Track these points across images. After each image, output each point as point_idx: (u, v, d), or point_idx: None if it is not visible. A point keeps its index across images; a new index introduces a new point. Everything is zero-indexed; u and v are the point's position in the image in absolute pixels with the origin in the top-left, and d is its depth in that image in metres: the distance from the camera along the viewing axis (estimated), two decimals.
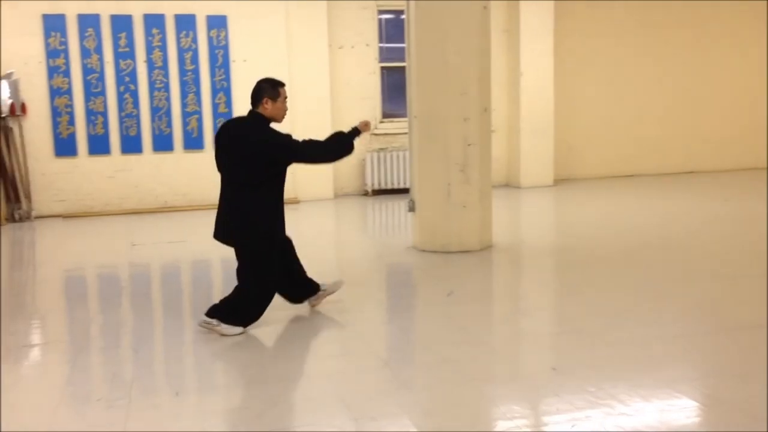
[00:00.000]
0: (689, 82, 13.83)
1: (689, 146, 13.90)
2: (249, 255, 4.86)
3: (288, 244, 5.18)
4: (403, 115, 9.39)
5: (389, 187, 11.92)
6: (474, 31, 7.19)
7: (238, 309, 4.83)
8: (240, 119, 5.09)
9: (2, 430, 3.53)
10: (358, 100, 11.90)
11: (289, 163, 4.93)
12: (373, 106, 12.09)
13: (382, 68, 12.24)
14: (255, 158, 4.76)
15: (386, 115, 12.28)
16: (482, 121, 7.36)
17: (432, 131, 7.33)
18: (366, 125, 5.21)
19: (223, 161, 4.91)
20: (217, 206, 5.00)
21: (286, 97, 4.96)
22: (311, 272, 5.42)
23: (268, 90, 4.86)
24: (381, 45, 12.21)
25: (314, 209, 10.72)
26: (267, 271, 4.87)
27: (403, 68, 8.33)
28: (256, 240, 4.82)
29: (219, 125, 5.31)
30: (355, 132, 5.13)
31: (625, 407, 3.58)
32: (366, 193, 11.96)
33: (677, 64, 13.69)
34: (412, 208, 7.69)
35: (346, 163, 12.01)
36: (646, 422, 3.46)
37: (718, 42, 13.84)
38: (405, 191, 9.91)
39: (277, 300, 5.13)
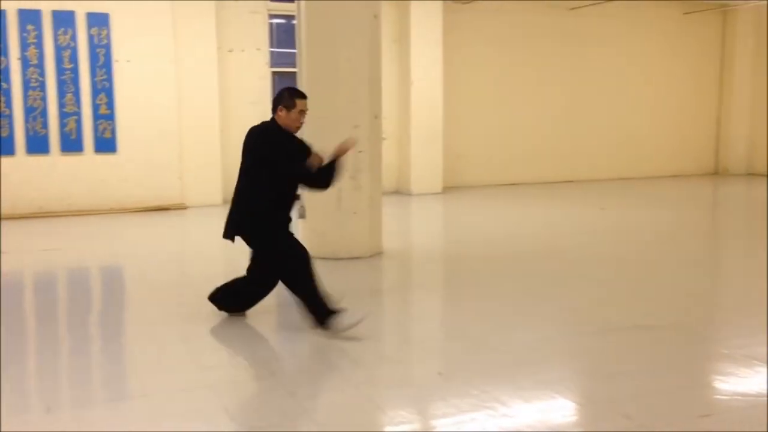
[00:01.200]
0: (572, 93, 14.50)
1: (570, 156, 14.56)
2: (260, 245, 4.94)
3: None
4: None
5: None
6: (364, 39, 7.23)
7: (314, 305, 4.84)
8: (261, 123, 5.02)
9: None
10: (247, 105, 11.73)
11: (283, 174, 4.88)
12: (263, 111, 11.91)
13: (273, 73, 12.12)
14: (253, 156, 4.83)
15: None
16: (373, 128, 7.41)
17: (323, 138, 7.29)
18: (344, 149, 5.02)
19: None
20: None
21: (303, 111, 4.86)
22: (192, 281, 5.26)
23: (285, 99, 4.83)
24: (272, 50, 12.11)
25: (203, 216, 10.44)
26: (285, 250, 4.90)
27: (294, 73, 8.27)
28: (257, 226, 4.90)
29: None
30: (334, 163, 5.01)
31: (507, 409, 3.68)
32: None
33: (561, 76, 14.33)
34: (302, 215, 7.63)
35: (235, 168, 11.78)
36: (526, 422, 3.56)
37: (599, 54, 14.59)
38: (296, 198, 9.79)
39: (158, 313, 4.94)
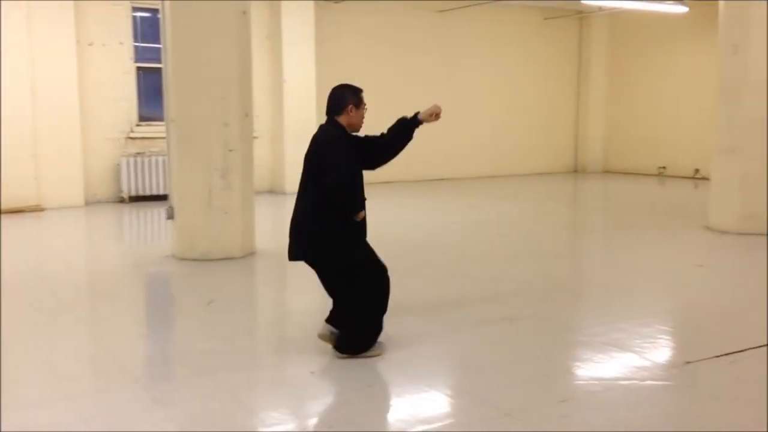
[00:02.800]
0: (442, 93, 14.81)
1: (442, 155, 14.92)
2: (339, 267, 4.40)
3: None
4: (162, 119, 8.99)
5: (147, 193, 11.38)
6: (233, 35, 7.10)
7: (363, 332, 4.39)
8: (319, 128, 4.54)
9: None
10: (111, 101, 11.22)
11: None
12: (128, 108, 11.46)
13: (138, 68, 11.65)
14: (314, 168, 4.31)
15: (143, 118, 11.70)
16: (243, 126, 7.28)
17: (191, 136, 7.11)
18: (431, 113, 4.76)
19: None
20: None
21: (364, 107, 4.54)
22: (48, 289, 4.97)
23: (352, 97, 4.48)
24: (136, 44, 11.62)
25: (62, 218, 9.87)
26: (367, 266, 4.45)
27: (161, 69, 7.97)
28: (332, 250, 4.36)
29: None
30: (416, 122, 4.76)
31: (381, 404, 3.71)
32: (122, 200, 11.30)
33: (432, 76, 14.65)
34: (171, 216, 7.39)
35: (97, 167, 11.27)
36: (399, 417, 3.61)
37: (467, 56, 15.03)
38: (164, 198, 9.49)
39: (13, 322, 4.60)
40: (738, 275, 6.84)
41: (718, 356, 4.38)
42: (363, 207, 4.39)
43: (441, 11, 14.24)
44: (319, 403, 3.74)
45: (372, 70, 13.94)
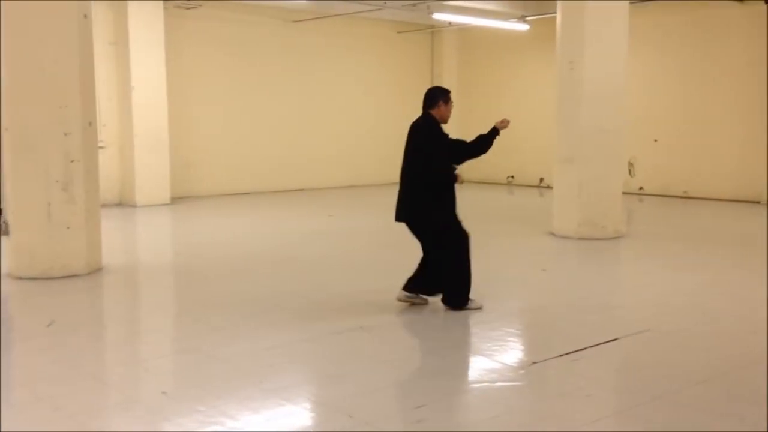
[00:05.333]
0: (299, 104, 14.82)
1: (300, 165, 14.88)
2: (431, 232, 5.52)
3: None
4: None
5: None
6: (74, 40, 6.73)
7: (462, 286, 5.51)
8: (418, 119, 5.70)
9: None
10: None
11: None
12: None
13: None
14: (422, 150, 5.48)
15: None
16: (87, 136, 6.90)
17: (28, 146, 6.65)
18: (503, 122, 5.84)
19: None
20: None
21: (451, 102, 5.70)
22: None
23: (442, 95, 5.72)
24: None
25: None
26: (454, 230, 5.52)
27: None
28: (426, 218, 5.51)
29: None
30: (494, 132, 5.84)
31: (235, 422, 3.62)
32: None
33: (288, 86, 14.58)
34: (5, 231, 6.87)
35: None
36: None
37: (322, 67, 15.08)
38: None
39: None
40: (577, 278, 7.29)
41: (561, 355, 4.63)
42: (456, 178, 5.61)
43: (296, 21, 14.22)
44: (172, 424, 3.59)
45: (226, 78, 13.69)
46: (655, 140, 13.86)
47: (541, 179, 15.34)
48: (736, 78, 12.86)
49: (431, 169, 5.44)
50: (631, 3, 9.19)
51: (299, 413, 3.80)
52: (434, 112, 5.66)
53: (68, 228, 6.73)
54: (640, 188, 14.09)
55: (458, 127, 16.94)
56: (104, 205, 7.39)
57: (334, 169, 15.43)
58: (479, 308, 5.58)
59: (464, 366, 4.49)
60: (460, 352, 4.68)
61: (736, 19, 12.74)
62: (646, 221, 11.20)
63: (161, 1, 12.09)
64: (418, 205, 5.50)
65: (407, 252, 8.64)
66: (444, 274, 5.54)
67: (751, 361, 4.59)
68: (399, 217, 5.63)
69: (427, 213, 5.49)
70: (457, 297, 5.55)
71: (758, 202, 12.51)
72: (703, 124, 13.32)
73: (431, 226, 5.53)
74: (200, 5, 12.60)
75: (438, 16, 13.43)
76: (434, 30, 16.37)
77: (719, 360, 4.59)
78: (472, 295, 5.61)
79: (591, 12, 8.79)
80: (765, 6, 12.22)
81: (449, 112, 5.76)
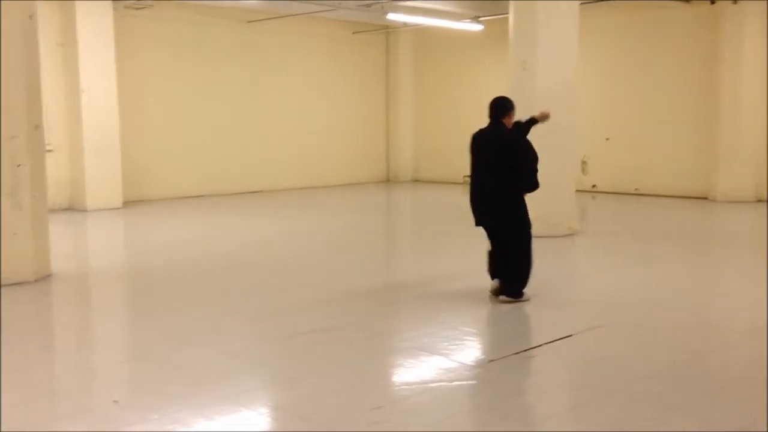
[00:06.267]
0: (255, 105, 14.69)
1: (256, 167, 14.74)
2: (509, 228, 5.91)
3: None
4: None
5: None
6: (18, 42, 6.54)
7: (524, 276, 5.96)
8: (491, 127, 6.00)
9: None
10: None
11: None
12: None
13: None
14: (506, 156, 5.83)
15: None
16: (33, 140, 6.72)
17: None
18: (544, 115, 6.24)
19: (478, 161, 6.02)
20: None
21: None
22: None
23: (511, 106, 5.99)
24: None
25: None
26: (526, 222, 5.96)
27: None
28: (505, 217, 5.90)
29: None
30: (532, 122, 6.21)
31: (189, 429, 3.55)
32: None
33: (244, 87, 14.46)
34: None
35: None
36: None
37: (278, 68, 14.97)
38: None
39: None
40: (531, 276, 7.33)
41: (517, 353, 4.67)
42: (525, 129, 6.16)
43: (250, 22, 14.09)
44: None
45: (179, 80, 13.50)
46: (607, 139, 14.10)
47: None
48: (684, 77, 13.16)
49: (535, 177, 5.89)
50: (581, 3, 9.32)
51: (255, 418, 3.75)
52: (505, 120, 5.98)
53: (15, 234, 6.54)
54: (593, 186, 14.32)
55: (413, 125, 17.06)
56: (53, 210, 7.23)
57: (290, 170, 15.33)
58: (528, 300, 5.96)
59: (421, 366, 4.49)
60: (416, 352, 4.68)
61: (683, 18, 13.04)
62: (598, 218, 11.38)
63: (110, 1, 11.84)
64: (501, 208, 5.89)
65: (364, 253, 8.65)
66: (514, 267, 5.89)
67: (699, 354, 4.69)
68: (487, 222, 5.99)
69: (517, 215, 5.89)
70: (519, 289, 5.93)
71: (706, 198, 12.82)
72: (652, 122, 13.60)
73: (518, 227, 5.90)
74: (151, 5, 12.38)
75: (392, 16, 13.44)
76: (389, 30, 16.39)
77: (669, 353, 4.68)
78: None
79: (542, 12, 8.89)
80: (711, 6, 12.55)
81: (512, 119, 6.08)
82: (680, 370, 4.35)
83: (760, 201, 12.37)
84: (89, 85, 11.75)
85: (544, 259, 8.08)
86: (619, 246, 8.70)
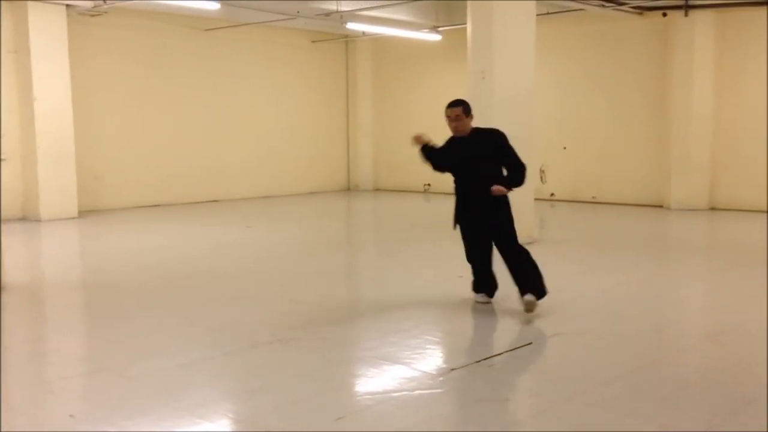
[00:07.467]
0: (213, 113, 14.56)
1: (214, 175, 14.61)
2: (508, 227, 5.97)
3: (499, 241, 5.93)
4: None
5: None
6: None
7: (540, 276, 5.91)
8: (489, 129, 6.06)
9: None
10: None
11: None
12: None
13: None
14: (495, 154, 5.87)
15: None
16: None
17: None
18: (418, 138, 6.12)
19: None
20: None
21: (449, 117, 5.84)
22: None
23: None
24: None
25: None
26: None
27: None
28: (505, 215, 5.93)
29: None
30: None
31: None
32: None
33: (201, 95, 14.32)
34: None
35: None
36: None
37: (236, 77, 14.88)
38: None
39: None
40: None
41: (478, 361, 4.69)
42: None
43: (208, 30, 13.98)
44: None
45: (135, 88, 13.32)
46: (564, 147, 14.32)
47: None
48: (638, 87, 13.45)
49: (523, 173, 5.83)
50: (538, 15, 9.46)
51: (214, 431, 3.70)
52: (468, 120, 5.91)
53: None
54: (552, 194, 14.51)
55: (373, 134, 17.09)
56: (6, 220, 7.02)
57: (249, 179, 15.23)
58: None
59: (383, 375, 4.48)
60: (378, 362, 4.67)
61: (637, 30, 13.34)
62: (557, 226, 11.54)
63: (64, 8, 11.63)
64: (507, 205, 5.90)
65: (325, 262, 8.62)
66: (526, 268, 5.86)
67: (655, 360, 4.78)
68: (485, 219, 5.90)
69: (509, 212, 5.93)
70: (543, 289, 5.85)
71: (661, 206, 13.09)
72: (609, 131, 13.86)
73: (509, 227, 5.92)
74: (106, 12, 12.21)
75: (351, 26, 13.47)
76: (348, 39, 16.41)
77: (625, 359, 4.75)
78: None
79: (499, 22, 8.99)
80: (663, 18, 12.86)
81: (448, 124, 5.92)
82: (637, 376, 4.42)
83: (713, 209, 12.68)
84: (42, 92, 11.52)
85: (504, 267, 8.15)
86: (577, 254, 8.83)
